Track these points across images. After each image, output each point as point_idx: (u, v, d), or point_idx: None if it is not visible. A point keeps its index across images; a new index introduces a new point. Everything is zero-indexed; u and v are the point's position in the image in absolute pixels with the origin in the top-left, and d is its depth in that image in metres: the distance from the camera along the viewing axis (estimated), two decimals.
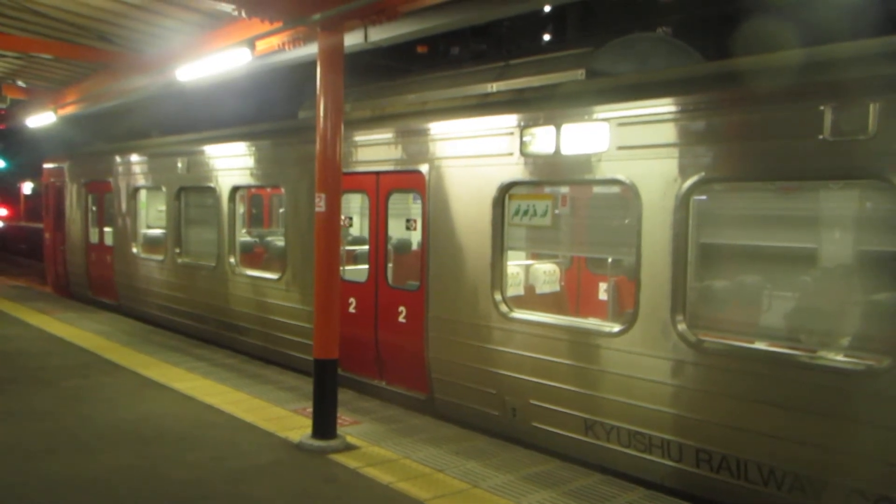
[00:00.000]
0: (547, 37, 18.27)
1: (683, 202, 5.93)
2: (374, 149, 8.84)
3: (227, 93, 15.77)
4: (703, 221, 6.13)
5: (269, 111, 15.76)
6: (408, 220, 9.10)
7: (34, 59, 13.11)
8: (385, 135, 8.70)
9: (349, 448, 6.73)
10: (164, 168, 13.33)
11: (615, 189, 6.97)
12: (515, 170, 7.20)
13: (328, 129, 6.82)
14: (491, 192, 7.39)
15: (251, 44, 8.00)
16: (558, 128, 6.84)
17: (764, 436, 5.45)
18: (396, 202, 8.99)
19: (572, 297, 9.49)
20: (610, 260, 8.38)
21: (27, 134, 20.98)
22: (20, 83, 15.56)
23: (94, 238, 16.37)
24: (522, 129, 7.14)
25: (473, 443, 7.02)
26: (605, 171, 6.49)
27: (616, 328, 6.46)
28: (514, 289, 8.13)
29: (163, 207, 13.65)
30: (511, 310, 7.33)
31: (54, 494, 5.60)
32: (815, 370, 5.29)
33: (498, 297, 7.38)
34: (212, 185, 11.85)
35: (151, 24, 9.80)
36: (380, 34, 8.61)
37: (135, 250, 14.41)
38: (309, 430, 6.91)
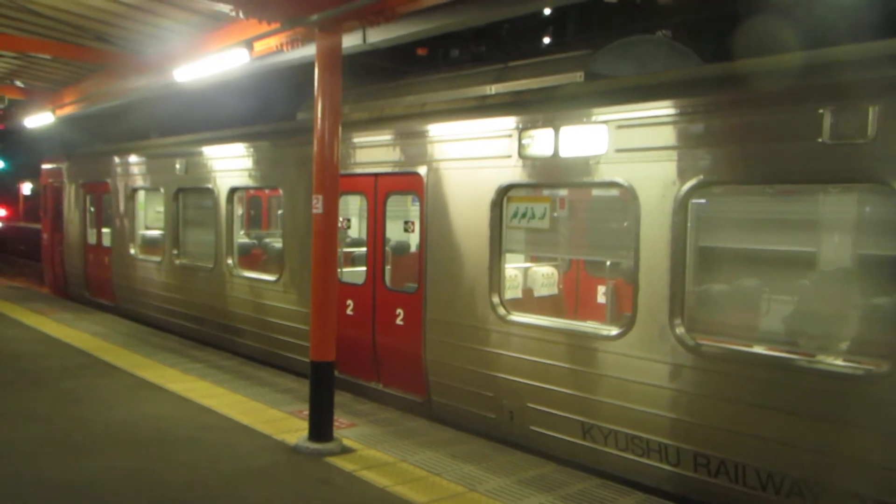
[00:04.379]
0: (546, 39, 18.26)
1: (682, 205, 5.90)
2: (373, 150, 8.81)
3: (225, 94, 15.75)
4: (701, 225, 6.11)
5: (268, 113, 15.75)
6: (406, 222, 9.08)
7: (32, 60, 13.10)
8: (383, 136, 8.68)
9: (346, 451, 6.70)
10: (163, 169, 13.30)
11: (614, 192, 6.94)
12: (514, 172, 7.18)
13: (326, 131, 6.80)
14: (489, 194, 7.37)
15: (249, 45, 7.99)
16: (557, 130, 6.82)
17: (762, 440, 5.43)
18: (394, 204, 8.96)
19: (570, 299, 9.46)
20: (608, 263, 8.35)
21: (26, 134, 20.97)
22: (18, 83, 15.53)
23: (91, 239, 16.35)
24: (521, 131, 7.12)
25: (470, 446, 6.99)
26: (603, 173, 6.46)
27: (614, 331, 6.43)
28: (512, 291, 8.10)
29: (161, 208, 13.63)
30: (509, 312, 7.31)
31: (49, 496, 5.56)
32: (814, 374, 5.27)
33: (496, 299, 7.36)
34: (210, 186, 11.82)
35: (149, 24, 9.78)
36: (378, 35, 8.59)
37: (132, 251, 14.37)
38: (305, 433, 6.88)
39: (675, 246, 5.94)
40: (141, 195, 14.66)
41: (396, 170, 8.51)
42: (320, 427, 6.81)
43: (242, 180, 11.24)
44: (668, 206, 5.97)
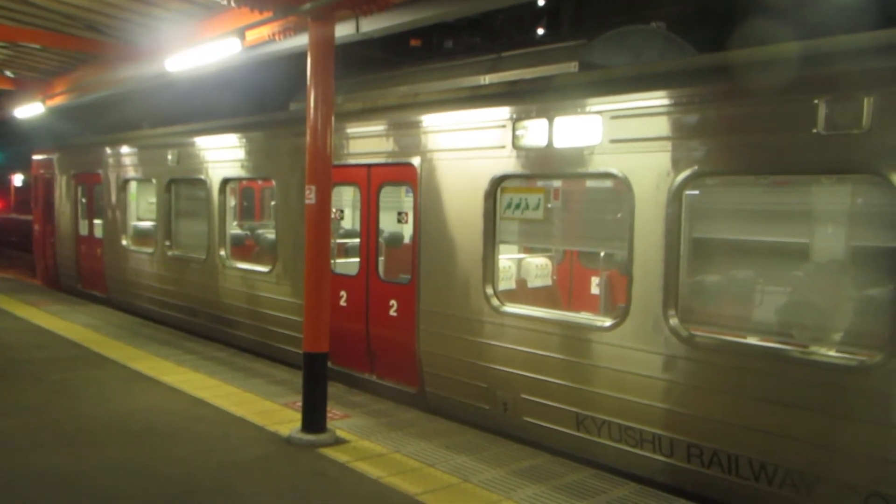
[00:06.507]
0: (540, 30, 18.20)
1: (676, 196, 5.89)
2: (366, 141, 8.77)
3: (218, 84, 15.68)
4: (695, 216, 6.09)
5: (261, 103, 15.68)
6: (399, 214, 9.05)
7: (22, 49, 13.01)
8: (377, 127, 8.64)
9: (339, 442, 6.69)
10: (155, 160, 13.23)
11: (608, 183, 6.92)
12: (508, 163, 7.16)
13: (319, 121, 6.76)
14: (483, 185, 7.34)
15: (241, 34, 7.93)
16: (551, 120, 6.79)
17: (755, 431, 5.43)
18: (388, 195, 8.93)
19: (564, 291, 9.46)
20: (602, 254, 8.35)
21: (17, 125, 20.82)
22: (8, 73, 15.44)
23: (83, 230, 16.26)
24: (515, 121, 7.09)
25: (464, 437, 6.99)
26: (597, 164, 6.45)
27: (608, 322, 6.43)
28: (506, 283, 8.09)
29: (153, 199, 13.56)
30: (502, 304, 7.29)
31: (42, 489, 5.53)
32: (808, 365, 5.27)
33: (489, 290, 7.34)
34: (202, 177, 11.76)
35: (141, 13, 9.71)
36: (372, 25, 8.54)
37: (125, 243, 14.31)
38: (299, 424, 6.87)
39: (670, 237, 5.93)
40: (133, 186, 14.58)
41: (390, 160, 8.47)
42: (314, 418, 6.80)
43: (235, 171, 11.18)
44: (662, 197, 5.95)
